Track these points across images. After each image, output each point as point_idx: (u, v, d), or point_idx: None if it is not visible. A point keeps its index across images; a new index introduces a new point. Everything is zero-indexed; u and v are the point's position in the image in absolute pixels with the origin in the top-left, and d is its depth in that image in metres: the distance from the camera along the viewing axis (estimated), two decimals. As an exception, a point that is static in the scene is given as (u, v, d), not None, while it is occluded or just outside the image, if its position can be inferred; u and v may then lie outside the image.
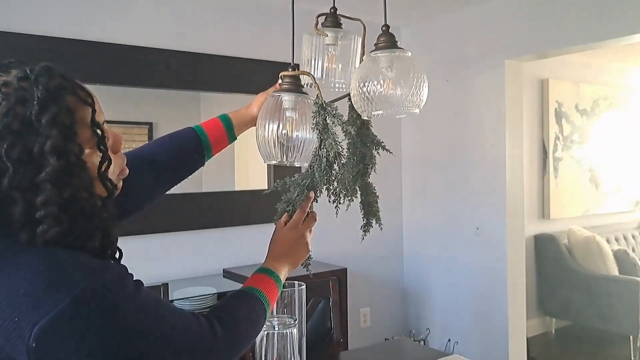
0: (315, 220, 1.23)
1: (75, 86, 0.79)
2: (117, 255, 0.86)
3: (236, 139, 1.33)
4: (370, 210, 1.29)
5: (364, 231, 1.29)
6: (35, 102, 0.73)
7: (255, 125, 1.26)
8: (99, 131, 0.81)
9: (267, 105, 1.20)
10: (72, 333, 0.69)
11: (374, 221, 1.30)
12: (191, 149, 1.26)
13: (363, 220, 1.29)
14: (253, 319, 0.98)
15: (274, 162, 1.21)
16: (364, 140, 1.25)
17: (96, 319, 0.71)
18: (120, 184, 0.90)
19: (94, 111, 0.80)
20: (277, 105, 1.18)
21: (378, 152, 1.28)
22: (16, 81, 0.75)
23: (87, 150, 0.79)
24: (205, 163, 1.31)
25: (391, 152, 1.27)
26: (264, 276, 1.08)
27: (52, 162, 0.73)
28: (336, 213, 1.24)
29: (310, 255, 1.23)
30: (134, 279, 0.79)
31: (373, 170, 1.28)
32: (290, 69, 1.22)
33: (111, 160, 0.83)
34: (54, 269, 0.71)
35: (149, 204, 1.21)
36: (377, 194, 1.30)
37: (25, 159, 0.72)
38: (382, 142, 1.28)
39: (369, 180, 1.29)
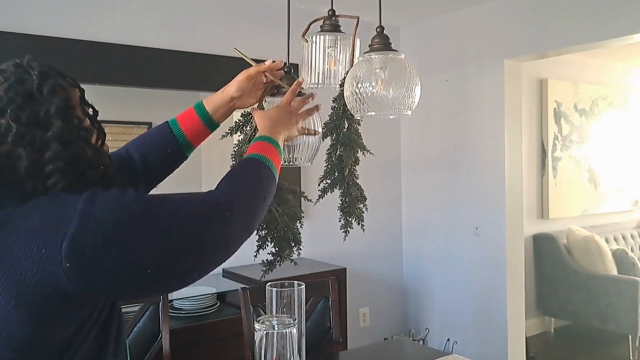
0: (313, 97, 1.19)
1: (61, 73, 0.88)
2: None
3: (218, 125, 1.28)
4: (348, 210, 1.29)
5: (344, 231, 1.28)
6: (34, 78, 0.83)
7: (236, 107, 1.25)
8: (90, 110, 0.91)
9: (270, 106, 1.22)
10: (94, 237, 0.75)
11: (354, 221, 1.29)
12: (165, 145, 1.23)
13: (339, 220, 1.29)
14: (252, 171, 0.99)
15: None
16: (343, 141, 1.24)
17: (108, 213, 0.77)
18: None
19: (82, 91, 0.91)
20: None
21: (364, 154, 1.27)
22: (12, 67, 0.84)
23: (85, 124, 0.88)
24: (189, 156, 1.28)
25: (372, 154, 1.26)
26: (259, 142, 1.06)
27: (58, 123, 0.82)
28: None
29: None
30: None
31: (352, 171, 1.26)
32: (284, 70, 1.24)
33: (105, 133, 0.93)
34: (58, 200, 0.80)
35: None
36: (365, 195, 1.29)
37: (32, 122, 0.81)
38: (363, 144, 1.26)
39: (356, 180, 1.28)
